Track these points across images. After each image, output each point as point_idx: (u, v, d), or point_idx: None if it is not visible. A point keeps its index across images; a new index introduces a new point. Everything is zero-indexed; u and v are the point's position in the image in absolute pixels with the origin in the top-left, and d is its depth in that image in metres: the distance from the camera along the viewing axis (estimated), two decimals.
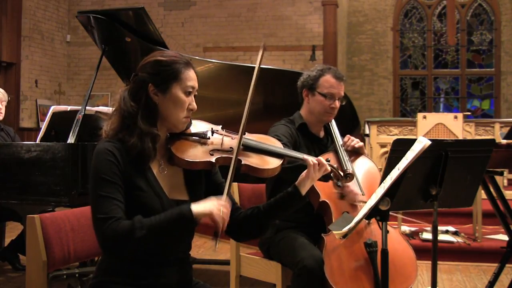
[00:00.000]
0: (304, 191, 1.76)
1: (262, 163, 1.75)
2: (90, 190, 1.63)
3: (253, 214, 1.79)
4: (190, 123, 1.79)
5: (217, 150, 1.74)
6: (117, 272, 1.69)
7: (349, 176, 2.19)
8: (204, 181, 1.85)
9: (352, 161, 2.53)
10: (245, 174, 1.75)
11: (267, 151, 1.78)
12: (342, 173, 1.95)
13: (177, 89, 1.71)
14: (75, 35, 9.57)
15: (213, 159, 1.70)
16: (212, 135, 1.78)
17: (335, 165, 1.92)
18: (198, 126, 1.81)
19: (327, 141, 2.74)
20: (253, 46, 9.05)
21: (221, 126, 1.85)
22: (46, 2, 9.03)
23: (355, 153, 2.61)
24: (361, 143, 2.61)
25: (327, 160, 1.85)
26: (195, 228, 1.83)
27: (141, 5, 3.94)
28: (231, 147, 1.74)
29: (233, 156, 1.69)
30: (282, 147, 1.86)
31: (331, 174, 1.89)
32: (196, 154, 1.72)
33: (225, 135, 1.80)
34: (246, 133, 1.82)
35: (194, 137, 1.77)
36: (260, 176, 1.77)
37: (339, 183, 2.01)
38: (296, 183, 1.77)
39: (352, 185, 2.29)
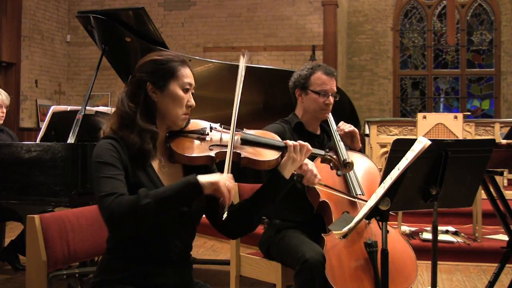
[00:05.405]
0: (287, 174, 1.79)
1: (261, 155, 1.80)
2: (93, 178, 1.64)
3: (241, 207, 1.82)
4: (189, 122, 1.82)
5: (216, 145, 1.77)
6: (118, 271, 1.70)
7: (349, 166, 2.21)
8: None
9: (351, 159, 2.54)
10: (245, 168, 1.79)
11: (265, 144, 1.83)
12: (341, 162, 2.08)
13: (175, 86, 1.75)
14: (75, 35, 9.57)
15: (212, 154, 1.74)
16: (210, 131, 1.82)
17: (334, 156, 2.05)
18: (196, 124, 1.85)
19: (323, 138, 2.75)
20: (253, 46, 9.06)
21: (219, 124, 1.88)
22: (46, 2, 9.03)
23: (353, 148, 2.65)
24: (353, 127, 2.66)
25: (326, 151, 2.02)
26: (196, 228, 1.84)
27: (141, 5, 3.95)
28: None
29: (230, 133, 1.73)
30: (280, 140, 1.88)
31: (331, 164, 2.07)
32: (195, 149, 1.76)
33: (223, 131, 1.84)
34: (245, 128, 1.86)
35: (193, 134, 1.80)
36: (260, 168, 1.81)
37: (339, 173, 2.21)
38: (278, 167, 1.80)
39: (312, 166, 1.96)
